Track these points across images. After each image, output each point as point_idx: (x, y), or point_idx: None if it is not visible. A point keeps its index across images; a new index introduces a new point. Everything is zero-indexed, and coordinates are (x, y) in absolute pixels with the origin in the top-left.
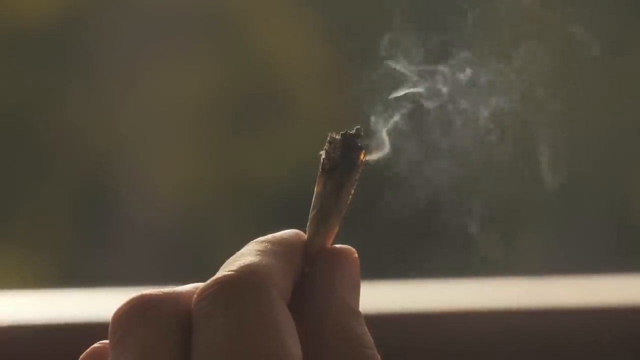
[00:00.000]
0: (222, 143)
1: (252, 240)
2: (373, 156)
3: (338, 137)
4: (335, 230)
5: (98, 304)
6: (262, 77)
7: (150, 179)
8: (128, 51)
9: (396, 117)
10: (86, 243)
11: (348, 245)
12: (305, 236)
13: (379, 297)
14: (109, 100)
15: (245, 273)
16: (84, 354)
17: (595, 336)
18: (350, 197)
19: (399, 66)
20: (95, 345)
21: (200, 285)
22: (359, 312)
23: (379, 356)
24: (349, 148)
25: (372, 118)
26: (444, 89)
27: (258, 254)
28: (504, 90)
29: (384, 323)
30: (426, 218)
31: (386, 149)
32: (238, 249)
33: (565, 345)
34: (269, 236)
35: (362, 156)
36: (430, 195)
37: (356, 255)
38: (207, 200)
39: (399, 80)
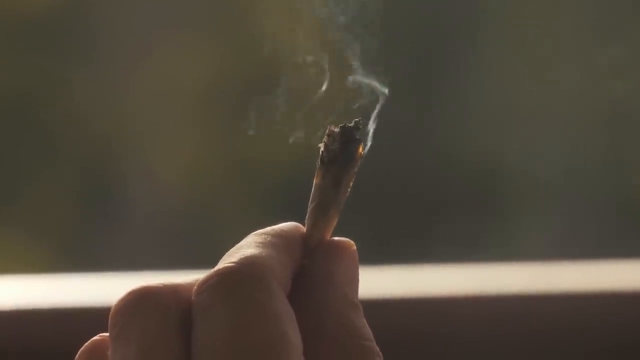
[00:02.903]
0: (226, 128)
1: (254, 227)
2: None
3: (337, 129)
4: (334, 222)
5: (102, 289)
6: (266, 62)
7: (155, 164)
8: (132, 36)
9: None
10: (90, 228)
11: (354, 229)
12: (304, 229)
13: (384, 282)
14: (114, 86)
15: (245, 265)
16: (83, 347)
17: (598, 321)
18: (349, 189)
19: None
20: (95, 338)
21: (200, 276)
22: (357, 304)
23: (377, 348)
24: (348, 140)
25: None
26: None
27: (258, 246)
28: (506, 75)
29: (388, 308)
30: (430, 203)
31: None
32: (242, 234)
33: (567, 330)
34: (268, 228)
35: (360, 149)
36: (434, 181)
37: (355, 247)
38: (212, 185)
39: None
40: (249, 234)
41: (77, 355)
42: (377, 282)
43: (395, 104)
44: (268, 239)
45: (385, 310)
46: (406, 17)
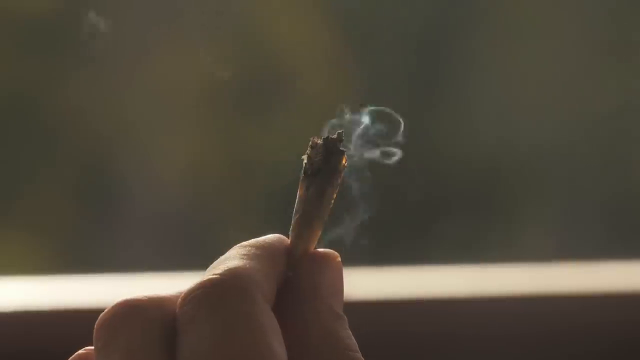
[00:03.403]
0: (227, 127)
1: (255, 227)
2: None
3: (320, 141)
4: (318, 234)
5: (102, 290)
6: (267, 60)
7: (155, 163)
8: (132, 36)
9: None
10: (90, 229)
11: (352, 229)
12: (288, 240)
13: (384, 283)
14: (113, 85)
15: (229, 277)
16: None
17: (598, 322)
18: (333, 201)
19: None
20: (80, 352)
21: (184, 289)
22: (342, 316)
23: (363, 359)
24: (331, 152)
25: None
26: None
27: (242, 258)
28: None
29: (388, 309)
30: (430, 203)
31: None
32: (242, 234)
33: (567, 330)
34: (252, 240)
35: (344, 160)
36: (434, 181)
37: (339, 259)
38: (212, 184)
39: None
40: (247, 234)
41: None
42: (377, 283)
43: (395, 102)
44: (252, 251)
45: (386, 312)
46: (407, 15)
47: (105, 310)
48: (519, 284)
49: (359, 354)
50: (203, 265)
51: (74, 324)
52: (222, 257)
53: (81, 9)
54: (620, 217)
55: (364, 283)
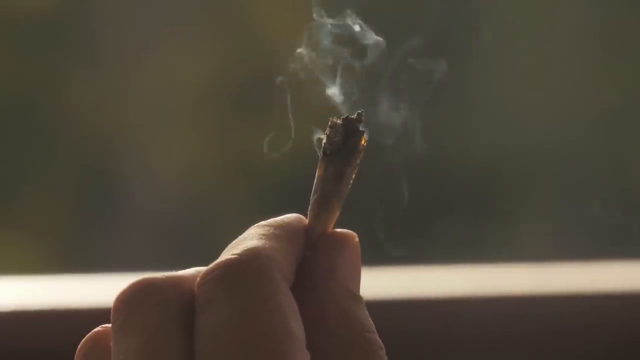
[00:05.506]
0: (225, 127)
1: (254, 224)
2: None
3: (339, 121)
4: (336, 214)
5: (102, 290)
6: (264, 60)
7: (153, 163)
8: (132, 35)
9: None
10: (89, 228)
11: (350, 230)
12: (306, 220)
13: (382, 283)
14: (112, 85)
15: (248, 256)
16: (84, 338)
17: (597, 322)
18: (352, 181)
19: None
20: (97, 329)
21: (202, 269)
22: (360, 296)
23: (379, 340)
24: (350, 132)
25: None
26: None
27: (261, 238)
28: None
29: (386, 309)
30: (428, 203)
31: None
32: (241, 232)
33: (566, 330)
34: (271, 220)
35: (363, 140)
36: (432, 181)
37: (357, 239)
38: (210, 184)
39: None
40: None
41: (79, 346)
42: (377, 283)
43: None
44: (271, 231)
45: (384, 312)
46: (404, 14)
47: (124, 289)
48: (519, 284)
49: (376, 335)
50: (202, 265)
51: (74, 324)
52: (240, 237)
53: (81, 8)
54: (620, 217)
55: (364, 283)
